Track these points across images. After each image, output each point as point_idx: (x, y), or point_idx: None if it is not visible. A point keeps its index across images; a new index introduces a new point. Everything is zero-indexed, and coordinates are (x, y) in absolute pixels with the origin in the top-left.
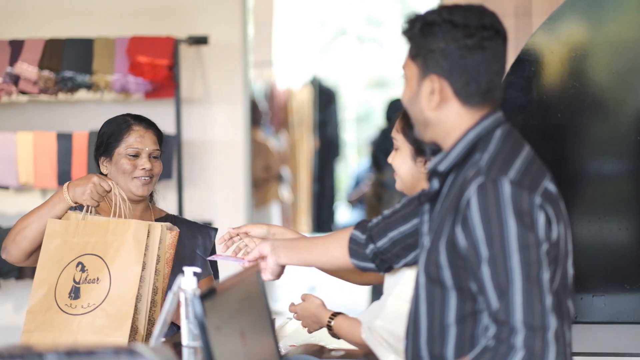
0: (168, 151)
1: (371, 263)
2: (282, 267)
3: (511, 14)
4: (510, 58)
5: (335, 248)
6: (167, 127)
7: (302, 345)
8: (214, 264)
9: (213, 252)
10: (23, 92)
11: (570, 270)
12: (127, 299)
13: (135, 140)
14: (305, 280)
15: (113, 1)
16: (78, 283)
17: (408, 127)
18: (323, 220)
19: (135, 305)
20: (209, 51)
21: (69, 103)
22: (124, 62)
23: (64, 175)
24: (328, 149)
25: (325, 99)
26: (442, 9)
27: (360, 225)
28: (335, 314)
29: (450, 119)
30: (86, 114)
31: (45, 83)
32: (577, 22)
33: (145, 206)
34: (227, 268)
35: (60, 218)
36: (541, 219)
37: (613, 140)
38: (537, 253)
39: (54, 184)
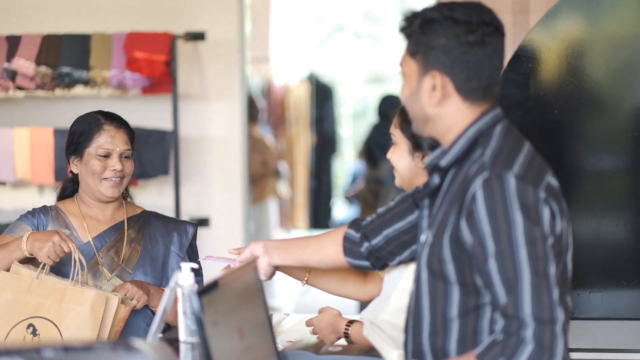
0: (165, 147)
1: (366, 261)
2: (275, 268)
3: (509, 10)
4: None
5: (329, 247)
6: (164, 123)
7: (300, 341)
8: (193, 257)
9: (192, 247)
10: (20, 88)
11: (570, 265)
12: None
13: (106, 140)
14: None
15: None
16: None
17: (406, 123)
18: (320, 216)
19: None
20: (206, 47)
21: (66, 99)
22: (121, 58)
23: (60, 171)
24: (325, 145)
25: (322, 95)
26: (442, 6)
27: (354, 224)
28: (351, 322)
29: (451, 114)
30: (83, 109)
31: (43, 79)
32: (575, 18)
33: (118, 205)
34: (213, 268)
35: (20, 261)
36: (546, 213)
37: (610, 136)
38: (544, 247)
39: (51, 179)
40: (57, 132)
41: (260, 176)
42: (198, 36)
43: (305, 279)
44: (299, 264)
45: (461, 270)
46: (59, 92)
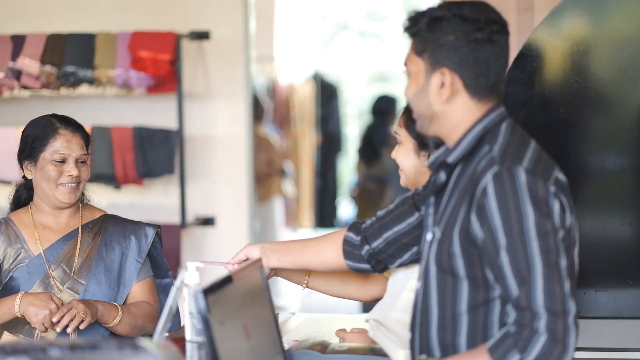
0: (170, 146)
1: (366, 264)
2: (273, 271)
3: (513, 9)
4: (513, 53)
5: (329, 250)
6: (169, 122)
7: (306, 341)
8: (157, 261)
9: (156, 250)
10: (25, 87)
11: (577, 260)
12: None
13: (62, 145)
14: None
15: None
16: None
17: (411, 122)
18: (325, 215)
19: None
20: (210, 46)
21: (71, 98)
22: (126, 57)
23: None
24: (330, 144)
25: (327, 94)
26: (449, 4)
27: (353, 227)
28: None
29: (459, 112)
30: (88, 109)
31: (47, 78)
32: (580, 17)
33: (73, 211)
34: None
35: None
36: (556, 206)
37: (615, 135)
38: (555, 240)
39: None
40: None
41: (265, 175)
42: (203, 35)
43: (305, 282)
44: (297, 267)
45: (470, 265)
46: (63, 91)
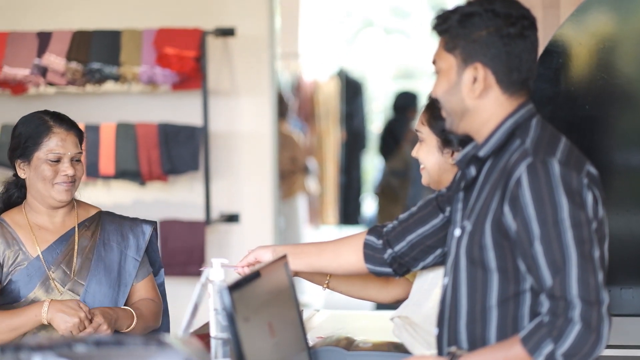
0: (195, 143)
1: (388, 268)
2: (292, 271)
3: (539, 5)
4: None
5: (349, 254)
6: (194, 119)
7: (330, 337)
8: (151, 257)
9: (152, 247)
10: (51, 84)
11: (606, 254)
12: None
13: (57, 144)
14: None
15: None
16: None
17: (434, 119)
18: (350, 212)
19: None
20: (236, 43)
21: (97, 95)
22: (152, 54)
23: (91, 167)
24: (355, 141)
25: (352, 91)
26: (479, 1)
27: (374, 231)
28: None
29: (490, 107)
30: (114, 105)
31: (73, 74)
32: (605, 13)
33: (69, 210)
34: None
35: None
36: (589, 198)
37: None
38: (589, 230)
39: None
40: (88, 128)
41: (289, 172)
42: (228, 32)
43: (326, 282)
44: (313, 270)
45: (502, 257)
46: (89, 88)
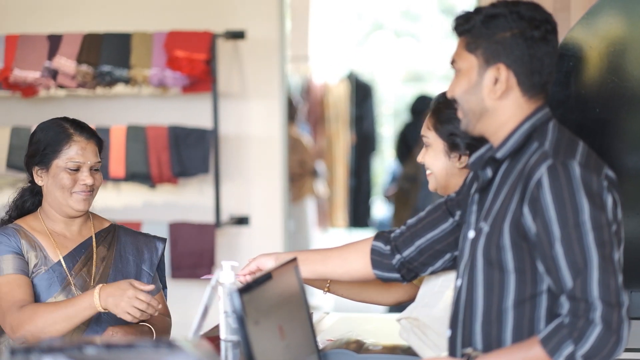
0: (205, 146)
1: (396, 273)
2: None
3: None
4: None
5: (355, 260)
6: (204, 121)
7: (340, 340)
8: (160, 274)
9: (161, 263)
10: (61, 87)
11: (622, 257)
12: None
13: (77, 153)
14: None
15: None
16: None
17: (440, 123)
18: (359, 215)
19: None
20: (246, 46)
21: (107, 97)
22: (162, 57)
23: (101, 170)
24: (365, 144)
25: (361, 94)
26: (505, 2)
27: (381, 237)
28: None
29: (509, 109)
30: (124, 108)
31: (84, 77)
32: (616, 16)
33: (84, 219)
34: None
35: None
36: (609, 200)
37: None
38: (609, 233)
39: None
40: (98, 131)
41: (297, 175)
42: (238, 35)
43: (327, 286)
44: (318, 277)
45: (520, 258)
46: (99, 90)
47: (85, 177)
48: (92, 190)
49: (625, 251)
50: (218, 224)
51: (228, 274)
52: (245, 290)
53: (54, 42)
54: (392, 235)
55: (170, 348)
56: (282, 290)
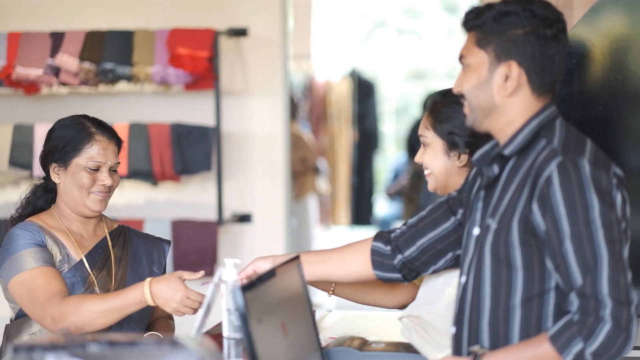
0: (208, 143)
1: (397, 274)
2: None
3: None
4: None
5: (355, 261)
6: (206, 119)
7: (343, 338)
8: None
9: (165, 266)
10: (64, 84)
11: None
12: None
13: (98, 153)
14: None
15: None
16: None
17: (438, 123)
18: (362, 213)
19: None
20: (248, 43)
21: (110, 95)
22: (164, 54)
23: None
24: (367, 142)
25: (364, 91)
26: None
27: (380, 237)
28: None
29: (518, 106)
30: (126, 105)
31: (86, 75)
32: (618, 14)
33: (98, 219)
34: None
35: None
36: (619, 198)
37: None
38: (619, 230)
39: None
40: None
41: (299, 173)
42: (240, 32)
43: (332, 289)
44: (317, 279)
45: (528, 255)
46: (102, 88)
47: (104, 178)
48: (109, 191)
49: (629, 249)
50: (220, 221)
51: (231, 271)
52: (248, 287)
53: (57, 40)
54: (393, 235)
55: (173, 345)
56: (285, 288)
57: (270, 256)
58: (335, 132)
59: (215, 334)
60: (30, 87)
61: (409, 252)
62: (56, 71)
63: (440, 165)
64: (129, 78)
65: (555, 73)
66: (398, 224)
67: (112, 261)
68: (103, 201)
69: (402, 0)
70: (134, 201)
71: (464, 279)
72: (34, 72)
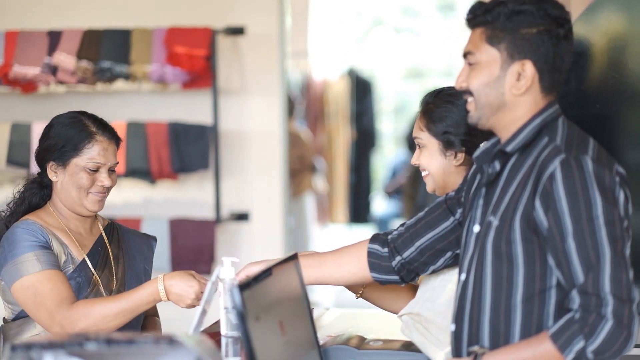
0: (205, 142)
1: (395, 275)
2: None
3: None
4: None
5: (351, 264)
6: (204, 117)
7: (341, 336)
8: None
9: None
10: (61, 82)
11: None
12: None
13: (99, 153)
14: None
15: None
16: None
17: (432, 123)
18: (359, 211)
19: None
20: (246, 42)
21: (107, 93)
22: (162, 53)
23: None
24: (364, 140)
25: (361, 90)
26: None
27: (377, 239)
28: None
29: (527, 104)
30: (124, 104)
31: (84, 73)
32: (616, 12)
33: (93, 217)
34: None
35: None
36: (622, 196)
37: None
38: (621, 228)
39: None
40: None
41: (296, 171)
42: (238, 31)
43: (360, 292)
44: (311, 283)
45: (530, 252)
46: (99, 86)
47: (103, 179)
48: (107, 191)
49: (631, 247)
50: (218, 219)
51: (228, 269)
52: (245, 286)
53: (54, 38)
54: (390, 237)
55: (171, 344)
56: (283, 286)
57: (263, 261)
58: (333, 130)
59: (213, 332)
60: (27, 86)
61: (408, 253)
62: (54, 70)
63: (438, 166)
64: (127, 76)
65: (564, 72)
66: (396, 222)
67: (111, 260)
68: (101, 201)
69: None
70: (132, 200)
71: (463, 276)
72: (31, 71)
